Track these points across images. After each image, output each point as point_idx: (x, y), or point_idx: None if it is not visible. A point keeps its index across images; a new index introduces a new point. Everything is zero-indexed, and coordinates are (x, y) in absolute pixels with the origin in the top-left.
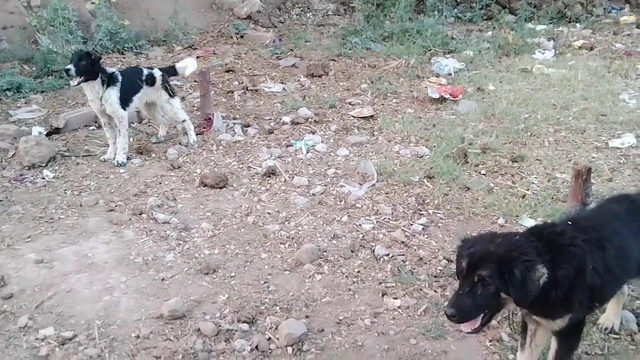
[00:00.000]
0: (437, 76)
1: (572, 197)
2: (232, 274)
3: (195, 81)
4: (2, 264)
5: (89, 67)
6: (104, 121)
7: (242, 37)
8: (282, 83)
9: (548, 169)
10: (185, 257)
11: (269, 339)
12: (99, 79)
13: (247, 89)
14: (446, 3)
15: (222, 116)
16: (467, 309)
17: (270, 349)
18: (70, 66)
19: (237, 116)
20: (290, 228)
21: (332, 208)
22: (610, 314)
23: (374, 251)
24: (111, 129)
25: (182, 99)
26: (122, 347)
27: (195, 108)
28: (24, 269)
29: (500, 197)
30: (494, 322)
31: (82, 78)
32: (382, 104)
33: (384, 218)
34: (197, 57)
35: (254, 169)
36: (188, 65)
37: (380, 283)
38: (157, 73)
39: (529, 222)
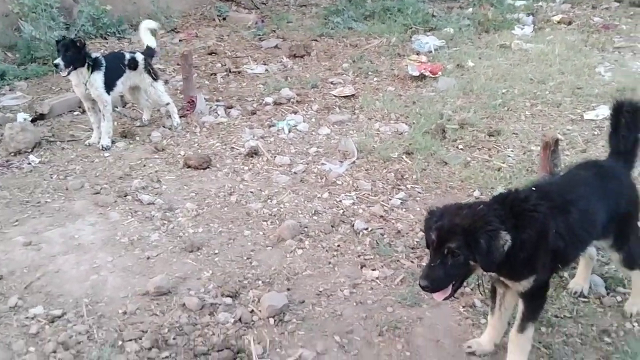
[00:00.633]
0: (417, 54)
1: (541, 168)
2: (216, 251)
3: (178, 64)
4: None
5: (76, 55)
6: (88, 106)
7: (224, 19)
8: (265, 64)
9: (524, 142)
10: (170, 237)
11: (252, 311)
12: (85, 65)
13: (229, 71)
14: None
15: (205, 98)
16: (439, 279)
17: (253, 320)
18: (58, 61)
19: (220, 98)
20: (272, 206)
21: (313, 185)
22: (580, 279)
23: (353, 226)
24: (95, 114)
25: (166, 82)
26: (109, 323)
27: (179, 91)
28: (12, 252)
29: (476, 171)
30: (467, 289)
31: (71, 67)
32: (364, 83)
33: (364, 194)
34: (180, 40)
35: (237, 149)
36: (143, 28)
37: (359, 256)
38: (140, 57)
39: None
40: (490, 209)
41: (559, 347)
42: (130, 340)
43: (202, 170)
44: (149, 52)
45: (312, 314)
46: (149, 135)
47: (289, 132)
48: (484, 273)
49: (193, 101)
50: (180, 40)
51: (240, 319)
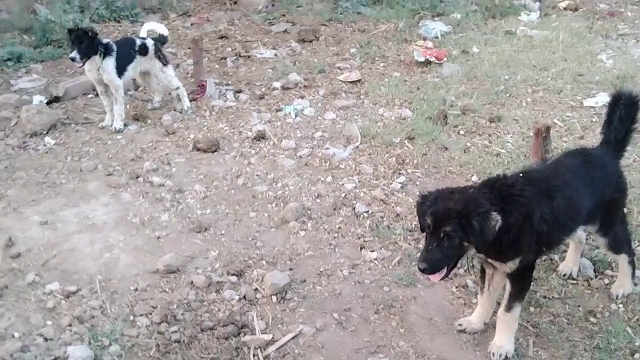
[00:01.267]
0: (424, 39)
1: (533, 154)
2: (223, 232)
3: (189, 48)
4: (10, 226)
5: (89, 45)
6: (101, 90)
7: (235, 3)
8: (274, 49)
9: (523, 128)
10: (179, 217)
11: (256, 289)
12: (98, 52)
13: (239, 55)
14: None
15: (214, 82)
16: (437, 261)
17: (256, 298)
18: (74, 54)
19: (230, 82)
20: (278, 189)
21: (318, 169)
22: (569, 262)
23: (354, 209)
24: (107, 97)
25: (177, 66)
26: (121, 299)
27: (189, 75)
28: (29, 230)
29: (475, 156)
30: (460, 270)
31: (86, 58)
32: (370, 68)
33: (366, 178)
34: (192, 24)
35: (245, 133)
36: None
37: (359, 238)
38: (150, 43)
39: None
40: (480, 192)
41: (546, 326)
42: (141, 315)
43: (210, 154)
44: (159, 39)
45: (312, 292)
46: (160, 118)
47: (296, 116)
48: (475, 254)
49: (203, 85)
50: (192, 24)
51: (244, 297)
